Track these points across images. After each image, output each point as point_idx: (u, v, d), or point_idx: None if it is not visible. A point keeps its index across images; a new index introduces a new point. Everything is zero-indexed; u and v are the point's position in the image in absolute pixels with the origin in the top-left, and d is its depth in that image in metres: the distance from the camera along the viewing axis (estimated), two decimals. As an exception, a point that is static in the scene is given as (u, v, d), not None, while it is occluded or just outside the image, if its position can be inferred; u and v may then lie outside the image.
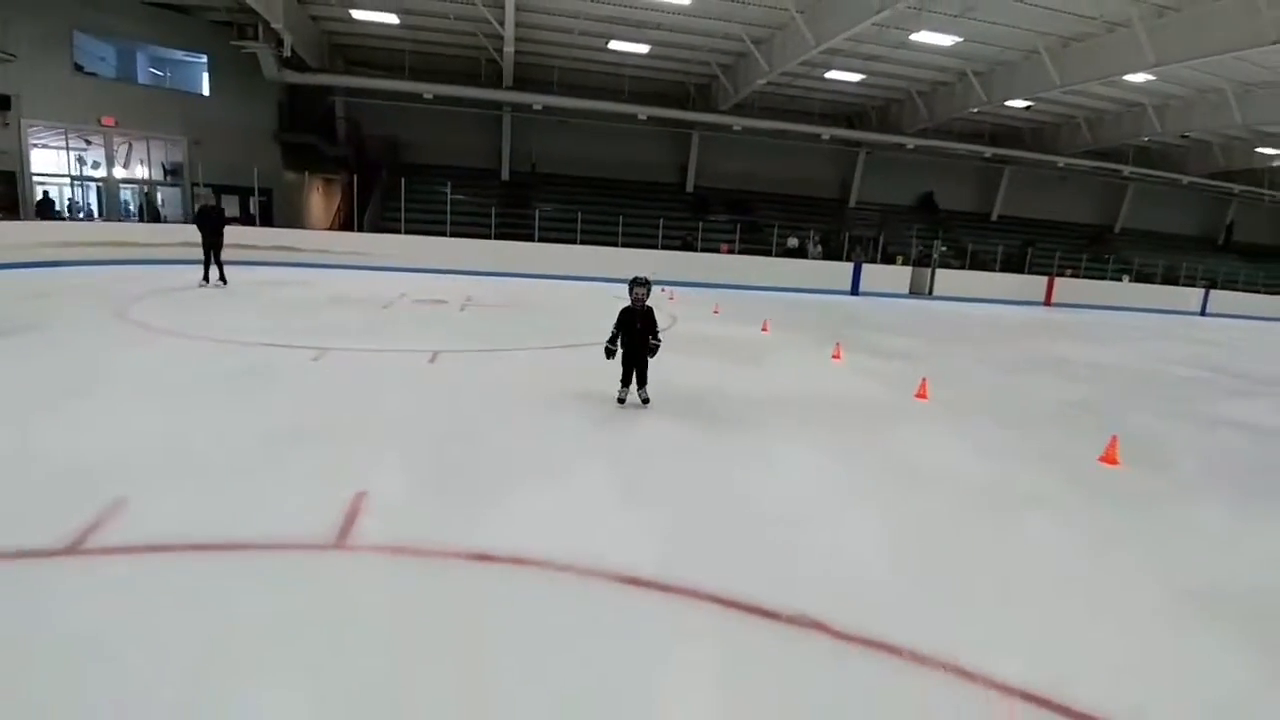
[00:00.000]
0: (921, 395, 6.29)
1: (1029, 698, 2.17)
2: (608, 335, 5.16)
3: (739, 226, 21.14)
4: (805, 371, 7.47)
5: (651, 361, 5.24)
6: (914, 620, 2.55)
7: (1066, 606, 2.87)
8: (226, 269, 11.47)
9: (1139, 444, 5.20)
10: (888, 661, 2.32)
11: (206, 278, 11.19)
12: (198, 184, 17.28)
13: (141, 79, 18.11)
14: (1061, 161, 23.82)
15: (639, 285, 5.19)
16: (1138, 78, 16.02)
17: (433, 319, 9.47)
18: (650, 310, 5.20)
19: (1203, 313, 23.23)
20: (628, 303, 5.18)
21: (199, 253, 11.36)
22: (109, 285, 10.65)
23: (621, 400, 5.29)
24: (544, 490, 3.62)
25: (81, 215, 17.37)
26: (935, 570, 3.09)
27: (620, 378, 5.29)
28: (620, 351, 5.15)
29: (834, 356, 8.12)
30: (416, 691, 2.04)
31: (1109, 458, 4.71)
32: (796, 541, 3.25)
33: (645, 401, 5.28)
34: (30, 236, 13.73)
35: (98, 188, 17.91)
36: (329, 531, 2.94)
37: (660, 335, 5.25)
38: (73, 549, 2.69)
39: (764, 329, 10.24)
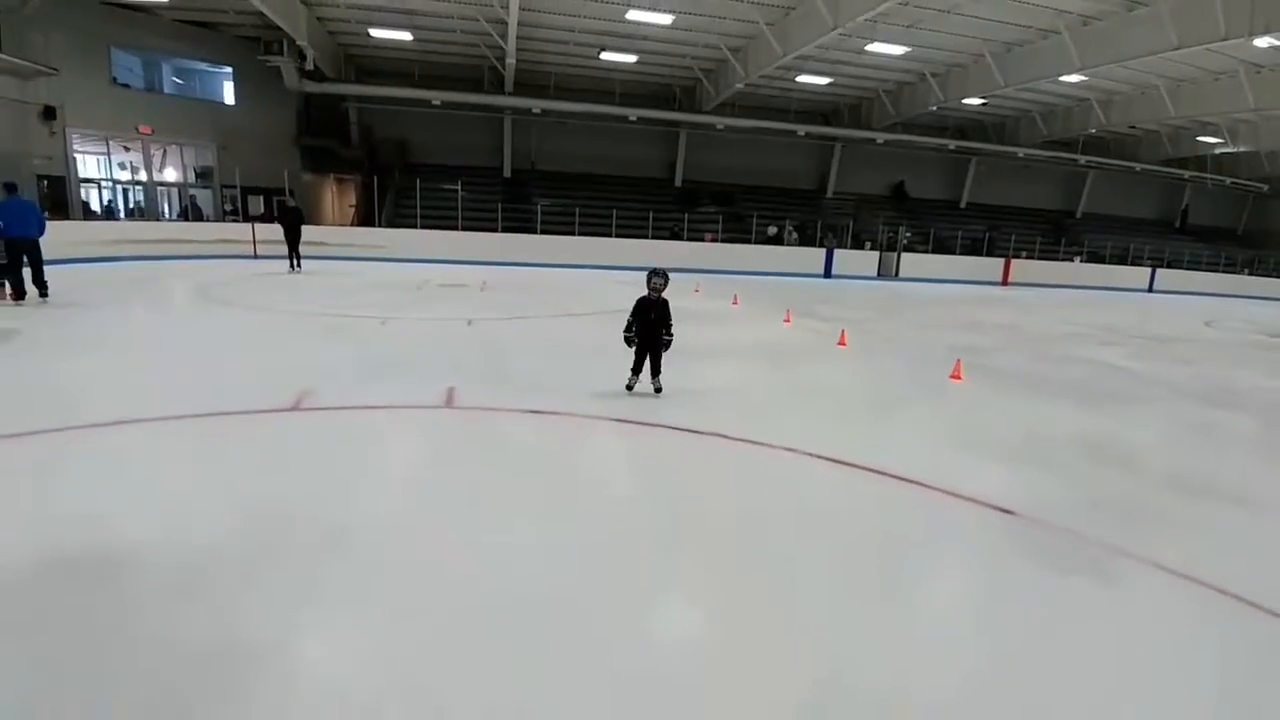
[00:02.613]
0: (842, 343, 8.26)
1: (831, 460, 4.16)
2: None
3: (722, 217, 23.06)
4: (759, 330, 9.44)
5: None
6: (775, 431, 4.54)
7: (874, 429, 4.93)
8: (275, 261, 13.41)
9: (987, 370, 7.21)
10: (757, 448, 4.31)
11: (292, 266, 13.18)
12: (230, 186, 19.14)
13: (167, 89, 19.84)
14: (1021, 152, 25.77)
15: (657, 276, 5.14)
16: (1075, 77, 17.95)
17: (460, 297, 11.39)
18: (665, 302, 5.17)
19: (1150, 289, 25.28)
20: (642, 291, 5.20)
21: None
22: (178, 275, 12.55)
23: (630, 388, 5.32)
24: (566, 385, 5.61)
25: (135, 215, 19.18)
26: (799, 412, 5.20)
27: (631, 366, 5.33)
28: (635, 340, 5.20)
29: (785, 321, 10.09)
30: (491, 462, 4.07)
31: (955, 375, 6.68)
32: (716, 401, 5.31)
33: (658, 391, 5.25)
34: (87, 235, 15.59)
35: (125, 190, 19.71)
36: (438, 399, 4.94)
37: (673, 330, 5.26)
38: (294, 408, 4.66)
39: (734, 303, 12.18)
